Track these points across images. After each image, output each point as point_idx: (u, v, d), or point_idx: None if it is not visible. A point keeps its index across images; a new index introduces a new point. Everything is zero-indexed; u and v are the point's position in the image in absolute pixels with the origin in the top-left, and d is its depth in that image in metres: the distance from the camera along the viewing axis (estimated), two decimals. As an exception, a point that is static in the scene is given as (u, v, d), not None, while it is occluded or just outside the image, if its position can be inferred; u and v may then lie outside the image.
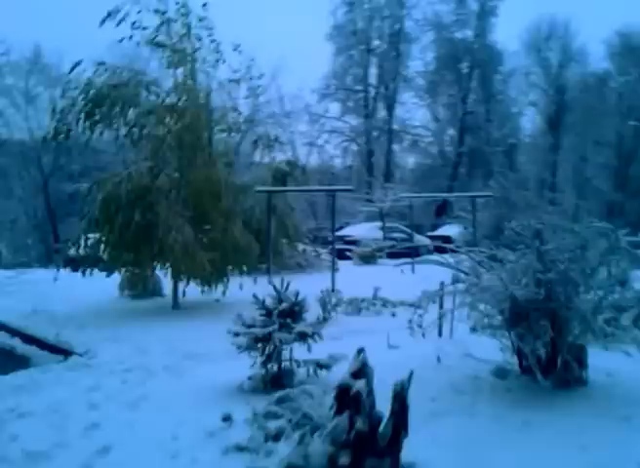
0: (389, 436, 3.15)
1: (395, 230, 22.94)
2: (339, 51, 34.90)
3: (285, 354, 5.15)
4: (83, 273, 9.22)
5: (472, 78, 37.40)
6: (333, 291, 12.21)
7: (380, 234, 23.10)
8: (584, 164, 43.87)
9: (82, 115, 8.97)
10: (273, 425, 3.78)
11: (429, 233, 24.72)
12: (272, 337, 4.84)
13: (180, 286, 9.73)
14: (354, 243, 21.32)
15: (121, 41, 9.55)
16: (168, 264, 9.24)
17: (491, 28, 37.14)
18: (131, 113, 9.13)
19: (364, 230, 22.65)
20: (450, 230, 21.98)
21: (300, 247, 17.25)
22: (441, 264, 6.10)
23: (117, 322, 8.24)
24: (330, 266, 15.95)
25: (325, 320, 8.86)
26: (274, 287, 5.13)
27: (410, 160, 39.04)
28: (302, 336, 4.98)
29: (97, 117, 8.99)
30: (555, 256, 5.16)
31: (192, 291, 9.91)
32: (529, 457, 3.87)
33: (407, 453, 3.35)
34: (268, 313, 5.04)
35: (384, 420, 3.21)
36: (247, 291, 11.03)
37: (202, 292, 9.70)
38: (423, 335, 5.39)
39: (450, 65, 36.63)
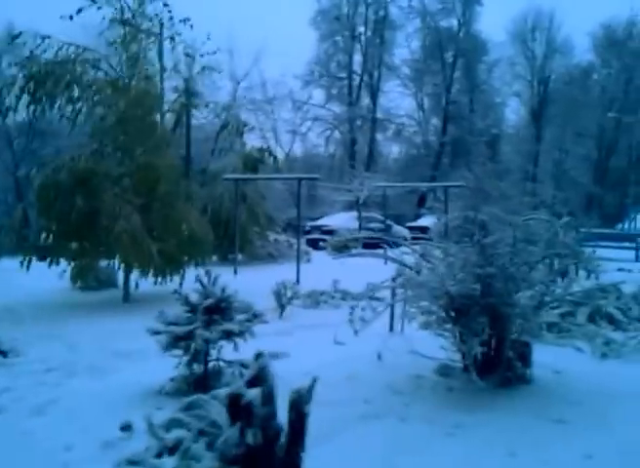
0: (285, 450, 2.86)
1: (373, 220, 22.66)
2: (323, 37, 34.40)
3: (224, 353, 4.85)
4: (50, 263, 8.79)
5: (456, 67, 37.10)
6: (297, 282, 11.97)
7: (357, 224, 22.86)
8: (566, 155, 43.89)
9: (23, 93, 8.49)
10: (174, 435, 3.46)
11: (408, 224, 24.49)
12: (194, 336, 4.52)
13: (134, 276, 9.38)
14: (331, 233, 21.04)
15: (71, 18, 9.15)
16: (117, 255, 8.85)
17: (476, 17, 36.90)
18: (76, 91, 8.66)
19: (341, 220, 22.37)
20: (428, 221, 21.76)
21: (272, 236, 16.94)
22: (382, 258, 5.80)
23: (58, 316, 7.86)
24: (303, 256, 15.71)
25: (281, 313, 8.64)
26: (200, 281, 4.80)
27: (394, 149, 38.73)
28: (229, 335, 4.67)
29: (38, 95, 8.51)
30: (496, 250, 4.90)
31: (149, 282, 9.56)
32: (448, 464, 3.62)
33: (315, 465, 3.07)
34: (193, 309, 4.73)
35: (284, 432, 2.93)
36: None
37: (155, 283, 9.32)
38: (356, 332, 5.09)
39: (434, 54, 36.29)
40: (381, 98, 36.12)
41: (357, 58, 35.06)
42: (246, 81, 33.31)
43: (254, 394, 2.83)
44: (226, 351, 4.93)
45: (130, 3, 9.22)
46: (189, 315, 4.74)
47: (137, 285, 9.36)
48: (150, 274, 9.01)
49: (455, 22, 36.32)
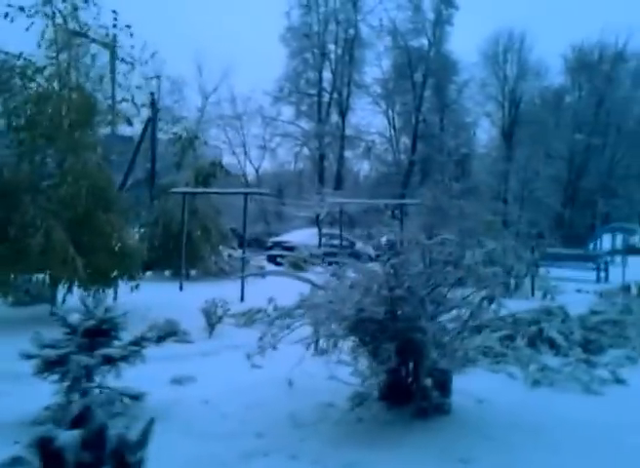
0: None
1: (336, 237, 22.31)
2: (293, 53, 34.29)
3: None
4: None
5: (427, 87, 37.20)
6: (242, 299, 11.55)
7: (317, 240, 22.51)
8: (536, 176, 44.19)
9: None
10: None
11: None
12: (69, 360, 4.07)
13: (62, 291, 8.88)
14: (292, 249, 20.62)
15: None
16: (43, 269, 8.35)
17: (446, 37, 37.11)
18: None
19: (303, 236, 21.98)
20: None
21: (227, 252, 16.49)
22: (293, 277, 5.44)
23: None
24: (258, 272, 15.28)
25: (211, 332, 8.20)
26: (83, 301, 4.36)
27: (365, 166, 38.61)
28: (109, 360, 4.22)
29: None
30: (407, 271, 4.55)
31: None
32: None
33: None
34: (73, 331, 4.28)
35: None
36: (154, 296, 10.32)
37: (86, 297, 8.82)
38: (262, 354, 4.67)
39: (405, 73, 36.36)
40: (352, 116, 36.10)
41: (327, 75, 35.03)
42: (215, 96, 33.06)
43: (68, 438, 2.42)
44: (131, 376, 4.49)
45: (61, 8, 8.77)
46: (69, 337, 4.30)
47: (64, 300, 8.86)
48: (75, 288, 8.53)
49: (425, 42, 36.51)
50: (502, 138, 45.91)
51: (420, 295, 4.37)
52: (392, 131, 37.26)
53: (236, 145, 35.51)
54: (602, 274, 17.48)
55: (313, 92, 34.80)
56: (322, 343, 5.01)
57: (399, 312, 4.39)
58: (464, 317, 4.93)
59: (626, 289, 11.35)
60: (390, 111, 37.05)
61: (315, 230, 23.12)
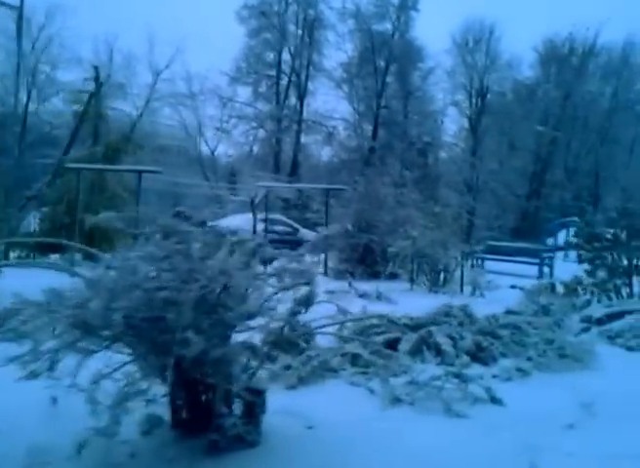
0: None
1: (278, 223, 21.33)
2: (251, 32, 32.92)
3: None
4: None
5: (390, 72, 36.19)
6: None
7: (260, 226, 21.52)
8: (501, 167, 43.68)
9: None
10: None
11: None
12: None
13: None
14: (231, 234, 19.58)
15: None
16: None
17: (411, 23, 36.10)
18: None
19: (241, 221, 20.90)
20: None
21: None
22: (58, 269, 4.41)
23: None
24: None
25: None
26: None
27: (326, 152, 37.55)
28: None
29: None
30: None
31: None
32: None
33: None
34: None
35: None
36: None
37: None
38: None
39: (367, 58, 35.32)
40: (313, 100, 34.96)
41: (286, 56, 33.75)
42: (169, 74, 31.60)
43: None
44: None
45: None
46: None
47: None
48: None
49: (389, 27, 35.43)
50: (470, 128, 45.32)
51: (192, 298, 3.35)
52: (356, 116, 36.24)
53: (191, 126, 34.16)
54: (546, 269, 16.79)
55: (272, 73, 33.55)
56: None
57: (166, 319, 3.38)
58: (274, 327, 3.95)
59: (551, 287, 10.53)
60: (353, 96, 35.99)
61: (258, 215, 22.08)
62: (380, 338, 6.67)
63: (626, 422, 4.93)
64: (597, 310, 8.76)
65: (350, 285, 11.20)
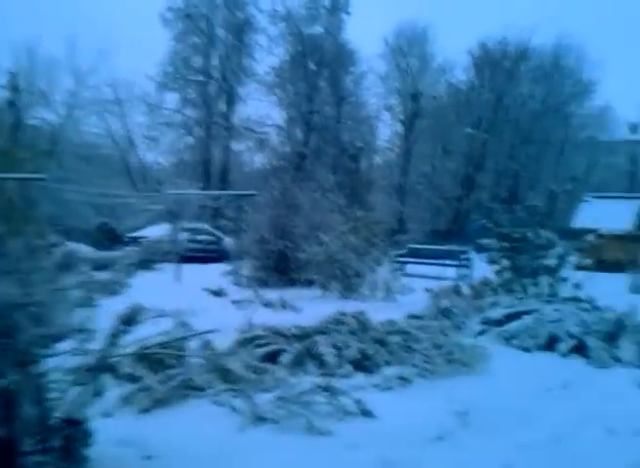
0: None
1: (201, 232, 20.75)
2: (177, 36, 32.10)
3: None
4: None
5: (321, 77, 36.07)
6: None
7: (183, 236, 20.94)
8: (433, 170, 44.26)
9: None
10: None
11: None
12: None
13: None
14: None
15: None
16: None
17: (342, 26, 36.06)
18: None
19: (162, 231, 20.21)
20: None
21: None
22: None
23: None
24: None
25: None
26: None
27: (259, 159, 37.05)
28: None
29: None
30: None
31: None
32: None
33: None
34: None
35: None
36: None
37: None
38: None
39: (299, 62, 35.10)
40: (244, 106, 34.40)
41: (216, 61, 33.04)
42: (93, 79, 30.52)
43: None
44: None
45: None
46: None
47: None
48: None
49: (320, 30, 35.26)
50: (403, 132, 45.73)
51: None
52: (288, 122, 35.94)
53: (119, 134, 33.13)
54: (466, 271, 16.84)
55: (200, 78, 32.82)
56: None
57: None
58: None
59: (456, 289, 10.44)
60: (285, 101, 35.65)
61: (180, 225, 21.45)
62: (261, 350, 6.33)
63: (498, 434, 4.74)
64: (497, 311, 8.66)
65: (256, 293, 10.84)
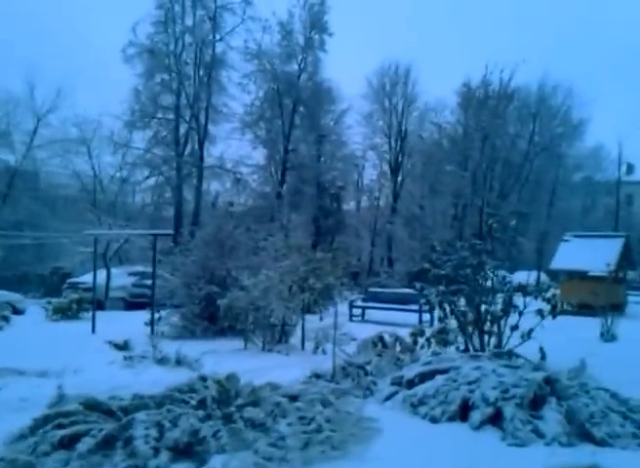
0: None
1: (148, 276, 19.23)
2: (144, 74, 31.10)
3: None
4: None
5: (298, 115, 35.16)
6: None
7: (129, 280, 19.56)
8: (422, 211, 42.95)
9: None
10: None
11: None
12: None
13: None
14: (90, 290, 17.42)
15: None
16: None
17: (319, 64, 35.31)
18: None
19: (102, 276, 18.81)
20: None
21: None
22: None
23: None
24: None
25: None
26: None
27: (236, 199, 35.76)
28: None
29: None
30: None
31: None
32: None
33: None
34: None
35: None
36: None
37: None
38: None
39: (273, 99, 34.25)
40: (221, 145, 33.28)
41: (185, 99, 32.02)
42: (54, 118, 29.60)
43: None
44: None
45: None
46: None
47: None
48: None
49: (295, 68, 34.46)
50: (389, 172, 44.70)
51: None
52: (261, 161, 34.93)
53: (86, 175, 31.98)
54: (428, 316, 15.29)
55: (169, 116, 31.81)
56: None
57: None
58: None
59: (380, 339, 8.92)
60: (260, 140, 34.64)
61: (125, 269, 20.12)
62: (60, 433, 4.82)
63: None
64: (413, 369, 7.13)
65: (155, 347, 9.33)
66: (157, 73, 30.83)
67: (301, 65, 34.42)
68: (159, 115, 31.55)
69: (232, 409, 5.27)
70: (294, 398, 5.92)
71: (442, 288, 9.41)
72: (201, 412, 5.27)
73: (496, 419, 5.83)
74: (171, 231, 12.73)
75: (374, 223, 39.17)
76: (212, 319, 12.34)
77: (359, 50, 52.48)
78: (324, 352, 10.34)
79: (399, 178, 44.87)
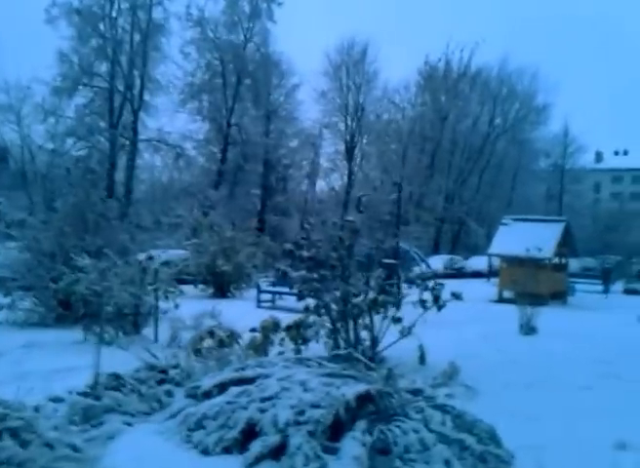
0: None
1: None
2: (78, 37, 28.71)
3: None
4: None
5: (244, 89, 33.19)
6: None
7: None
8: (376, 192, 41.48)
9: None
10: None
11: None
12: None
13: None
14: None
15: None
16: None
17: (267, 35, 33.33)
18: None
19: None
20: None
21: None
22: None
23: None
24: None
25: None
26: None
27: (174, 175, 33.87)
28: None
29: None
30: None
31: None
32: None
33: None
34: None
35: None
36: None
37: None
38: None
39: (216, 71, 32.23)
40: (156, 117, 31.23)
41: (120, 67, 29.80)
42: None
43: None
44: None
45: None
46: None
47: None
48: None
49: (241, 37, 32.43)
50: (344, 150, 43.15)
51: None
52: (201, 135, 32.94)
53: (14, 145, 29.84)
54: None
55: (102, 85, 29.60)
56: None
57: None
58: None
59: (207, 336, 7.32)
60: (201, 112, 32.66)
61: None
62: None
63: None
64: (217, 376, 5.55)
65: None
66: (91, 38, 28.48)
67: (247, 35, 32.42)
68: (93, 83, 29.27)
69: None
70: None
71: (304, 273, 7.85)
72: None
73: (280, 452, 4.30)
74: None
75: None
76: (67, 305, 10.63)
77: (320, 26, 50.47)
78: (179, 346, 8.77)
79: (356, 160, 43.43)
